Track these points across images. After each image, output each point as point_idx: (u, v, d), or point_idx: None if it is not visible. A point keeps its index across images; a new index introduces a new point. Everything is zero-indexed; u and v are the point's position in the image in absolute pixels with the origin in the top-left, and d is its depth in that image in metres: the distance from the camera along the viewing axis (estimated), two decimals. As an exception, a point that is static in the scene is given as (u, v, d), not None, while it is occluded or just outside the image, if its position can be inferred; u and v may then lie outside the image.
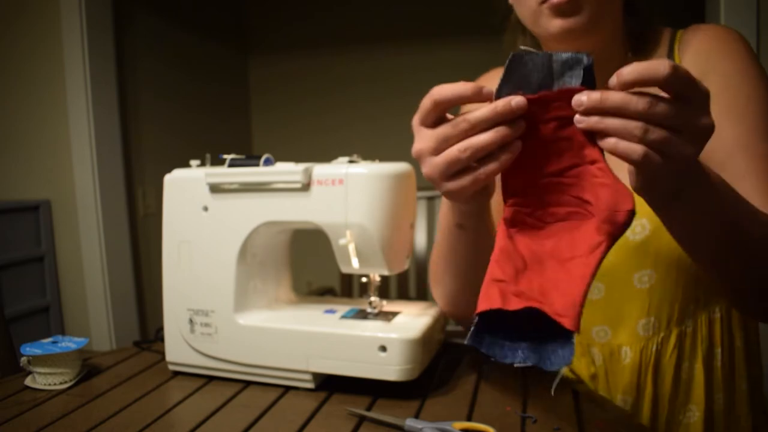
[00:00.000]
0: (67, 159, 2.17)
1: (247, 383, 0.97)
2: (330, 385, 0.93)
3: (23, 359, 0.99)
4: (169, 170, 1.04)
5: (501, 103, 0.53)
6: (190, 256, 1.00)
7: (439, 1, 3.33)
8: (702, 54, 0.82)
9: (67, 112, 2.15)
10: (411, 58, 3.31)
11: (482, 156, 0.55)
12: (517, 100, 0.52)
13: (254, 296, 1.02)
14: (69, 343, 0.99)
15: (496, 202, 0.69)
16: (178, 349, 1.02)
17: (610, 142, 0.51)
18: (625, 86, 0.49)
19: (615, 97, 0.49)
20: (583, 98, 0.51)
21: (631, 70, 0.48)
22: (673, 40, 0.87)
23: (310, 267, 2.97)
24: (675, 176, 0.53)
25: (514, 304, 0.51)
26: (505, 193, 0.58)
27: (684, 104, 0.49)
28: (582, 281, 0.49)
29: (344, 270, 0.97)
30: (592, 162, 0.53)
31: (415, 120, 0.57)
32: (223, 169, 0.98)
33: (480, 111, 0.53)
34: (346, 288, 1.98)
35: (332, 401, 0.89)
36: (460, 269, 0.83)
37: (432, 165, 0.57)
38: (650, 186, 0.55)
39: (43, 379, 0.97)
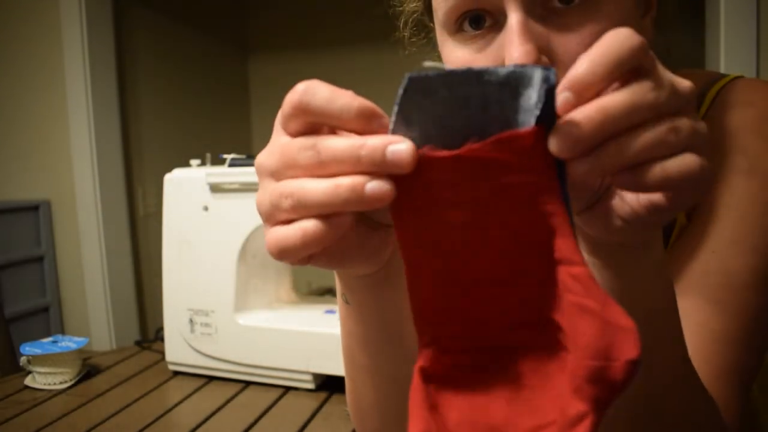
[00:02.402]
0: (67, 159, 2.16)
1: (247, 383, 0.97)
2: (330, 385, 0.93)
3: (23, 359, 0.99)
4: (170, 170, 1.04)
5: (370, 144, 0.29)
6: (191, 256, 1.00)
7: (439, 1, 3.32)
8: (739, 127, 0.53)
9: (67, 112, 2.15)
10: (411, 58, 3.31)
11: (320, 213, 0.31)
12: (398, 149, 0.28)
13: (254, 296, 1.02)
14: (69, 343, 0.99)
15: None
16: (178, 349, 1.02)
17: (671, 167, 0.28)
18: (591, 87, 0.28)
19: (618, 101, 0.28)
20: (571, 132, 0.27)
21: (593, 60, 0.27)
22: (703, 96, 0.56)
23: (310, 267, 2.96)
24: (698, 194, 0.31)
25: None
26: (417, 314, 0.32)
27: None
28: None
29: (344, 270, 0.97)
30: (563, 262, 0.29)
31: (278, 119, 0.33)
32: (223, 169, 0.98)
33: (339, 141, 0.30)
34: (346, 288, 1.97)
35: (332, 402, 0.89)
36: (365, 367, 0.48)
37: (260, 194, 0.33)
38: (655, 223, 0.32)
39: (43, 379, 0.97)
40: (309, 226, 0.30)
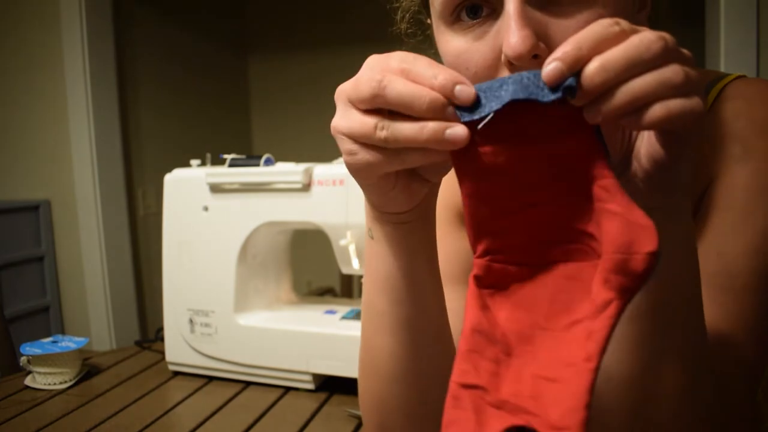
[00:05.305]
0: (67, 159, 2.16)
1: (247, 384, 0.97)
2: (330, 386, 0.93)
3: (23, 359, 0.99)
4: (169, 170, 1.04)
5: (443, 76, 0.36)
6: (190, 256, 1.00)
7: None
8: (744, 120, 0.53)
9: (67, 112, 2.15)
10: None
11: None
12: (463, 87, 0.36)
13: (254, 296, 1.02)
14: (69, 343, 0.99)
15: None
16: (178, 349, 1.02)
17: (656, 112, 0.33)
18: (607, 81, 0.33)
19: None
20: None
21: (611, 59, 0.33)
22: (706, 95, 0.56)
23: (310, 267, 2.96)
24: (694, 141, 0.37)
25: (495, 425, 0.34)
26: (473, 232, 0.39)
27: None
28: (586, 364, 0.32)
29: (345, 271, 0.97)
30: (595, 178, 0.35)
31: (350, 88, 0.43)
32: (223, 169, 0.98)
33: (421, 64, 0.38)
34: (346, 288, 1.98)
35: (332, 402, 0.89)
36: (383, 314, 0.50)
37: (340, 120, 0.41)
38: (677, 164, 0.37)
39: (43, 379, 0.97)
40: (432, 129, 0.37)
